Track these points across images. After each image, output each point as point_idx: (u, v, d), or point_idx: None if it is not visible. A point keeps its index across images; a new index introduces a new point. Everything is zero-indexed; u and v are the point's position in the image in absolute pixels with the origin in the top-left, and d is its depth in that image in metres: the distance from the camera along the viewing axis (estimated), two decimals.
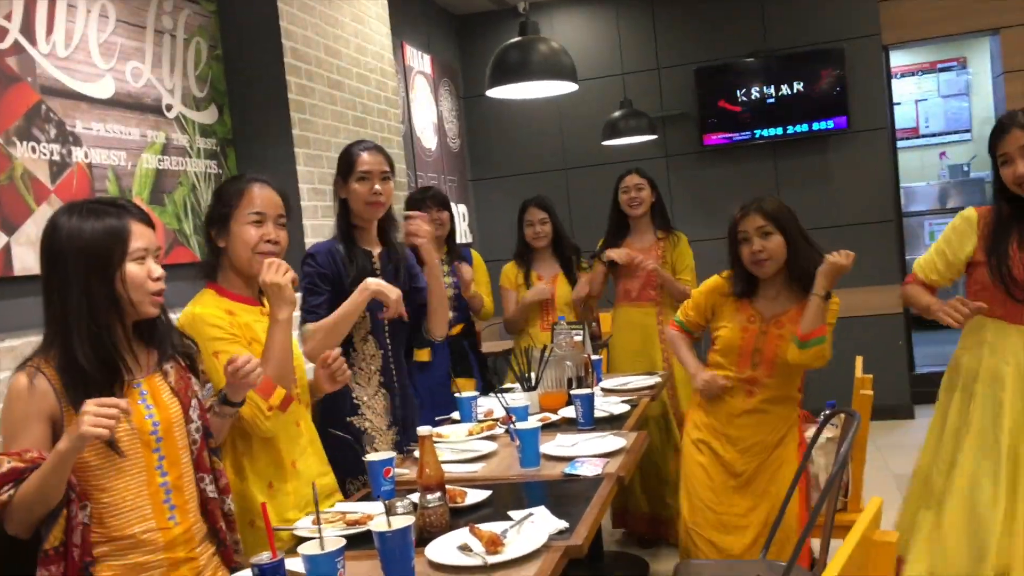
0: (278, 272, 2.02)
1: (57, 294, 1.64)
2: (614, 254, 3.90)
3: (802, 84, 5.78)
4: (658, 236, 3.99)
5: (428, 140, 5.59)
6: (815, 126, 5.78)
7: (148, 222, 1.74)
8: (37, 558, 1.55)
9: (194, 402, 1.79)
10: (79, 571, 1.57)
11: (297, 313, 2.25)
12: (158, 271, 1.71)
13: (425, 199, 3.80)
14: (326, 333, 2.39)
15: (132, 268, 1.67)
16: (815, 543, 2.60)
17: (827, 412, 2.59)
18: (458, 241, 4.20)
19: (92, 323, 1.63)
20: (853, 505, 2.82)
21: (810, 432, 2.88)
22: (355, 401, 2.54)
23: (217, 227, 2.11)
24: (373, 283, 2.39)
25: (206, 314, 2.02)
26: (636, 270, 3.93)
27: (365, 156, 2.56)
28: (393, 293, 2.40)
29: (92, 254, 1.64)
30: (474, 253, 4.16)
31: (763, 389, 2.72)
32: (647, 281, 3.94)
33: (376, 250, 2.65)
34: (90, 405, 1.48)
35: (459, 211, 5.95)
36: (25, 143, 2.50)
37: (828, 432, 2.77)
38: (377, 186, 2.55)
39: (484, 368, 4.14)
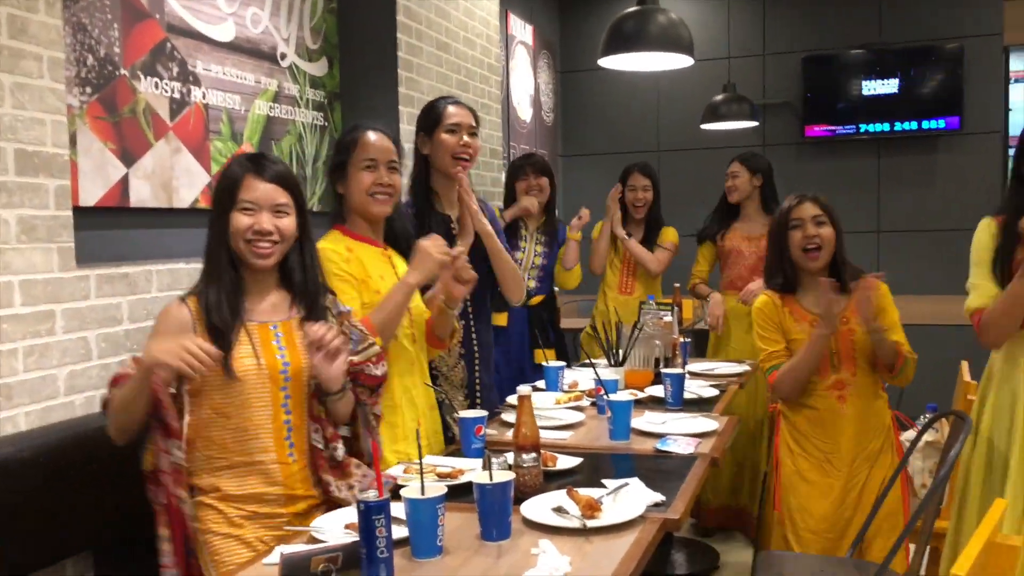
0: (435, 243, 2.12)
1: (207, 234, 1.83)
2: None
3: (915, 80, 5.56)
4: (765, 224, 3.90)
5: (524, 112, 5.56)
6: (925, 124, 5.56)
7: (268, 178, 1.80)
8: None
9: None
10: (178, 495, 1.67)
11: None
12: (264, 225, 1.76)
13: (525, 165, 3.79)
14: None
15: (237, 217, 1.77)
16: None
17: (929, 415, 2.50)
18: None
19: (214, 266, 1.79)
20: (944, 511, 2.71)
21: (907, 435, 2.79)
22: (433, 371, 2.48)
23: (337, 175, 2.24)
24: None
25: (327, 248, 2.14)
26: (739, 258, 3.87)
27: (452, 109, 2.51)
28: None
29: (215, 199, 1.83)
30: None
31: (852, 389, 2.61)
32: (755, 269, 3.85)
33: (455, 213, 2.59)
34: (190, 344, 1.61)
35: None
36: (149, 78, 2.55)
37: (927, 436, 2.68)
38: (466, 138, 2.50)
39: (562, 343, 4.11)
